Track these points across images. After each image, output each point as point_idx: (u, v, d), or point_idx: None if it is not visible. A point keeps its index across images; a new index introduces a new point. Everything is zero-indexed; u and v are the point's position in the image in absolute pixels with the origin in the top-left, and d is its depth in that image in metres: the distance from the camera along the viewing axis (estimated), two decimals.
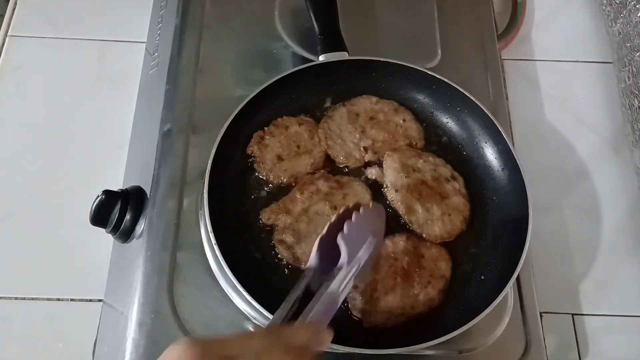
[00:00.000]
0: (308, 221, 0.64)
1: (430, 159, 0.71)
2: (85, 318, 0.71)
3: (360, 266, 0.50)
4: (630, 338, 0.75)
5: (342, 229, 0.50)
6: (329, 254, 0.49)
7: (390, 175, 0.69)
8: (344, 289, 0.48)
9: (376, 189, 0.69)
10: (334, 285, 0.47)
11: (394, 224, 0.67)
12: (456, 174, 0.70)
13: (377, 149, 0.71)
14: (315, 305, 0.46)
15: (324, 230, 0.51)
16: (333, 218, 0.52)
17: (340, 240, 0.49)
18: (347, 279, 0.48)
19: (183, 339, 0.39)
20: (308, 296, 0.47)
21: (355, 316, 0.61)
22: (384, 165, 0.70)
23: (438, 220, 0.66)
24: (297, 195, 0.66)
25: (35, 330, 0.71)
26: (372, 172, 0.70)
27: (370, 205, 0.61)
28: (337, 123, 0.72)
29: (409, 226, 0.67)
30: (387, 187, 0.69)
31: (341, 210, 0.53)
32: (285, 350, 0.41)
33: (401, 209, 0.67)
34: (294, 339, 0.43)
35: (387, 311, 0.60)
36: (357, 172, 0.70)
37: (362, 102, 0.74)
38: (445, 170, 0.70)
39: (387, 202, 0.68)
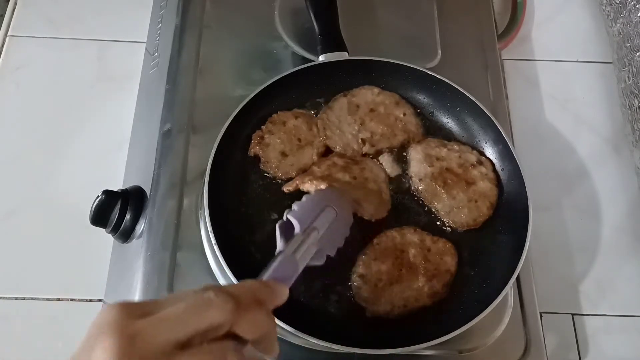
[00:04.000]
0: None
1: (455, 146, 0.70)
2: (85, 318, 0.70)
3: (320, 234, 0.53)
4: (630, 338, 0.75)
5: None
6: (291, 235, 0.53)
7: (414, 166, 0.69)
8: (302, 255, 0.50)
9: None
10: (288, 248, 0.49)
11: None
12: (483, 159, 0.70)
13: (375, 142, 0.71)
14: (271, 265, 0.47)
15: (284, 217, 0.54)
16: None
17: (289, 215, 0.53)
18: (305, 245, 0.51)
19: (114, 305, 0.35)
20: None
21: (359, 303, 0.61)
22: (408, 158, 0.70)
23: (464, 207, 0.66)
24: (315, 169, 0.66)
25: (35, 330, 0.71)
26: None
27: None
28: (337, 114, 0.72)
29: (434, 214, 0.67)
30: (411, 177, 0.69)
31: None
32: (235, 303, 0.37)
33: (426, 198, 0.67)
34: (241, 292, 0.39)
35: (391, 301, 0.60)
36: None
37: (364, 93, 0.74)
38: (471, 156, 0.70)
39: (411, 191, 0.68)
